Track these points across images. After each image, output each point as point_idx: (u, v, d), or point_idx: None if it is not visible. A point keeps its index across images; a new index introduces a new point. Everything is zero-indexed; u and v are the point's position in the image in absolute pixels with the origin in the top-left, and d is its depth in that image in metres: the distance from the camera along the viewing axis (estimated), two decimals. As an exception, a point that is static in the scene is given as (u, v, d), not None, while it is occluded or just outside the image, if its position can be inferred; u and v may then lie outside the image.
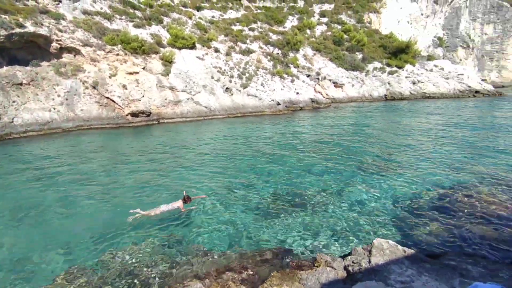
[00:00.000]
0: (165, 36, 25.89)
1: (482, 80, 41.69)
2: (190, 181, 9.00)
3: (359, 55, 36.80)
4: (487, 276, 4.05)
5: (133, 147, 13.47)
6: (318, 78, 32.16)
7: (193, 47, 26.14)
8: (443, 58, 45.82)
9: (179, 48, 25.22)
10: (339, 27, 40.79)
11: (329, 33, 39.76)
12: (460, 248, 5.34)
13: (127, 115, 19.70)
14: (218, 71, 25.64)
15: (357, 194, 7.76)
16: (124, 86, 20.36)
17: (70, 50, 20.02)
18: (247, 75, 26.63)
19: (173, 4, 31.85)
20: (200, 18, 32.16)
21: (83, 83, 19.49)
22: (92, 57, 20.46)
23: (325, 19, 42.17)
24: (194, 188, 8.29)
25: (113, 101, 19.63)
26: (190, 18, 30.91)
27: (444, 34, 50.91)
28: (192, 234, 6.15)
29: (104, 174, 9.74)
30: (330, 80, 32.64)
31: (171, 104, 21.70)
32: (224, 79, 25.41)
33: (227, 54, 27.84)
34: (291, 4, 44.13)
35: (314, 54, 35.94)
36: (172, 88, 22.17)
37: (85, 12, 22.41)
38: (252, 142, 14.08)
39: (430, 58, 41.84)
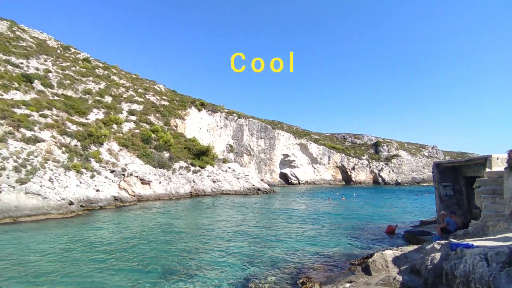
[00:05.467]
0: None
1: (261, 180, 53.63)
2: None
3: (167, 154, 38.90)
4: None
5: None
6: (124, 174, 30.49)
7: None
8: (234, 162, 56.15)
9: None
10: (148, 126, 42.66)
11: (137, 130, 40.47)
12: None
13: None
14: (-20, 161, 19.30)
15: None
16: None
17: None
18: (28, 168, 21.53)
19: None
20: (-38, 92, 24.79)
21: None
22: None
23: (134, 117, 43.16)
24: None
25: None
26: None
27: (233, 143, 63.77)
28: None
29: None
30: (137, 176, 31.72)
31: None
32: (-11, 171, 19.24)
33: (0, 140, 21.99)
34: (98, 98, 42.81)
35: (121, 149, 34.74)
36: None
37: None
38: (17, 260, 10.53)
39: (225, 161, 50.18)
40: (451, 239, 6.71)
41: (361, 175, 76.27)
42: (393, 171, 76.12)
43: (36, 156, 23.41)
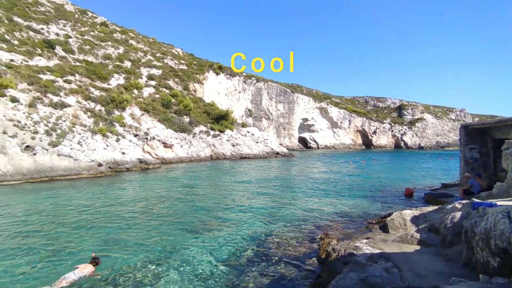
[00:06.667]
0: None
1: (280, 144, 53.86)
2: None
3: (187, 119, 39.51)
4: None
5: None
6: (146, 138, 31.54)
7: (-26, 92, 20.08)
8: (253, 126, 56.30)
9: (-51, 92, 18.72)
10: (167, 91, 42.97)
11: (157, 95, 40.95)
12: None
13: None
14: (14, 125, 20.49)
15: (186, 259, 7.62)
16: None
17: None
18: (58, 131, 22.65)
19: None
20: (-10, 59, 25.69)
21: None
22: None
23: (153, 82, 43.48)
24: None
25: None
26: (-26, 56, 24.14)
27: (252, 107, 63.44)
28: None
29: None
30: (159, 140, 32.73)
31: None
32: (24, 135, 20.47)
33: (31, 105, 23.04)
34: (117, 63, 43.11)
35: (142, 114, 35.58)
36: None
37: None
38: (59, 213, 11.52)
39: (243, 125, 50.39)
40: (473, 199, 6.63)
41: (382, 139, 74.77)
42: (416, 135, 73.93)
43: (64, 121, 24.48)
